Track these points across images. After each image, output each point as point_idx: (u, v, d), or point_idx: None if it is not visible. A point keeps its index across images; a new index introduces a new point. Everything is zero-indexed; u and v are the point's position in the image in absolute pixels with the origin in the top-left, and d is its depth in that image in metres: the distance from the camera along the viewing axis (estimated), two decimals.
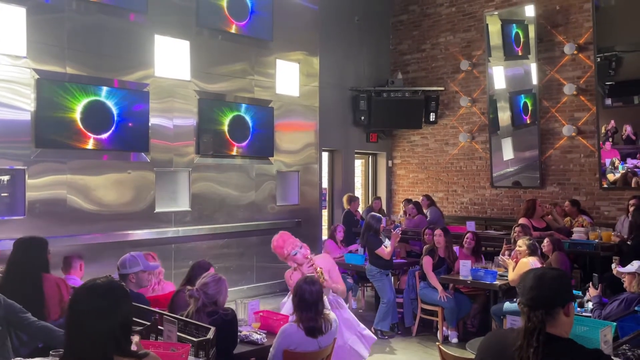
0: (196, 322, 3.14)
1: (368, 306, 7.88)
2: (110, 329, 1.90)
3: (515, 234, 6.54)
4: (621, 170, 8.56)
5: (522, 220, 7.38)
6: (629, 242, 6.67)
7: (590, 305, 4.58)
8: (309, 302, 3.57)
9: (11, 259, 3.70)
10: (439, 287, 6.17)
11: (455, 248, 6.71)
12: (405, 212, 9.66)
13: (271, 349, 3.55)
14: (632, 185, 8.41)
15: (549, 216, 7.82)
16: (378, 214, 6.92)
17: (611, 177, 8.67)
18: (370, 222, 6.56)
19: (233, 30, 8.04)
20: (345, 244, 8.02)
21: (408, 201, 9.67)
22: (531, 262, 5.36)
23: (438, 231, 6.51)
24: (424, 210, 9.24)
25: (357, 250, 7.54)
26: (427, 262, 6.33)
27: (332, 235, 7.93)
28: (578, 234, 7.25)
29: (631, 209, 7.07)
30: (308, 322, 3.55)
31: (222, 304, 3.50)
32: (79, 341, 1.91)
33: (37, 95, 6.10)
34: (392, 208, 11.53)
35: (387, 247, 6.43)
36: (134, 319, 2.20)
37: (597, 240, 6.97)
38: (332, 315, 3.75)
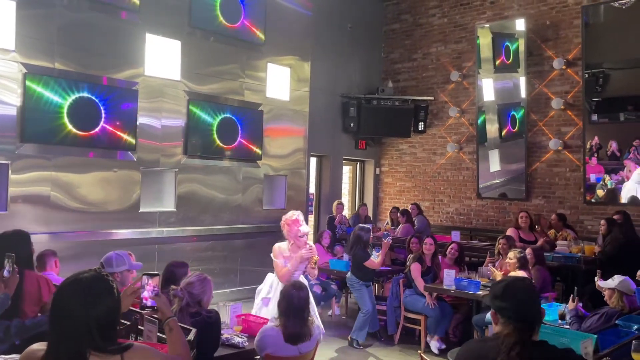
0: (179, 323, 3.10)
1: (351, 313, 7.86)
2: (86, 324, 1.86)
3: (499, 246, 6.57)
4: (609, 186, 8.67)
5: (510, 231, 7.42)
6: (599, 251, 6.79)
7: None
8: (297, 308, 3.55)
9: None
10: (427, 294, 6.17)
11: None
12: (392, 220, 9.68)
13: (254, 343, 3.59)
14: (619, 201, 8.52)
15: (539, 228, 7.89)
16: (367, 226, 6.79)
17: (600, 192, 8.76)
18: (360, 234, 6.38)
19: (225, 32, 8.03)
20: (330, 250, 8.01)
21: (397, 209, 9.69)
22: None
23: (429, 240, 6.50)
24: (413, 219, 9.27)
25: (343, 256, 7.55)
26: (415, 268, 6.31)
27: (318, 241, 7.92)
28: (561, 247, 7.32)
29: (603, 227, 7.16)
30: (294, 328, 3.52)
31: (207, 304, 3.48)
32: (57, 334, 1.88)
33: (24, 90, 6.02)
34: (379, 215, 11.55)
35: (376, 258, 6.32)
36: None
37: (579, 254, 7.04)
38: (316, 321, 3.73)
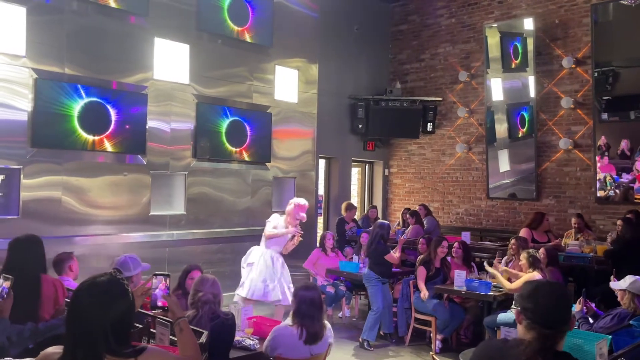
0: (194, 327, 3.12)
1: (361, 314, 7.85)
2: (102, 327, 1.87)
3: (511, 245, 6.53)
4: (609, 186, 8.60)
5: (523, 231, 7.37)
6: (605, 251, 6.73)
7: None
8: (319, 307, 3.57)
9: (10, 260, 3.59)
10: (424, 292, 6.17)
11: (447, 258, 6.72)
12: (403, 221, 9.64)
13: (264, 344, 3.57)
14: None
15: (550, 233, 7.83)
16: (386, 222, 7.02)
17: (601, 193, 8.71)
18: (379, 231, 6.56)
19: (233, 35, 8.05)
20: (336, 251, 7.97)
21: (409, 210, 9.65)
22: (537, 278, 5.33)
23: (445, 243, 6.51)
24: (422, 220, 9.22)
25: (352, 257, 7.53)
26: (421, 272, 6.31)
27: (321, 243, 7.88)
28: (573, 247, 7.26)
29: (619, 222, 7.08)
30: (314, 327, 3.52)
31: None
32: (73, 338, 1.89)
33: (35, 95, 6.08)
34: (388, 217, 11.52)
35: (395, 253, 6.48)
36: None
37: (591, 254, 6.98)
38: (327, 324, 3.73)
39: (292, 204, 6.19)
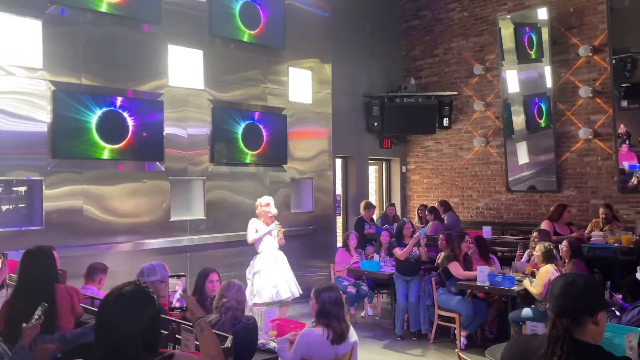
0: (217, 331, 3.13)
1: (384, 313, 7.84)
2: (132, 337, 1.88)
3: (532, 238, 6.45)
4: (635, 174, 8.46)
5: (544, 224, 7.28)
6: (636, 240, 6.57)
7: None
8: (341, 305, 3.58)
9: (22, 272, 3.61)
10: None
11: None
12: (420, 218, 9.58)
13: (290, 354, 3.53)
14: None
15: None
16: (404, 219, 7.30)
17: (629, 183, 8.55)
18: (396, 225, 7.05)
19: (246, 38, 8.08)
20: (359, 250, 7.96)
21: (425, 207, 9.57)
22: (550, 271, 5.26)
23: (467, 238, 6.52)
24: (441, 216, 9.13)
25: (373, 256, 7.51)
26: (456, 266, 6.24)
27: (345, 243, 7.88)
28: (596, 237, 7.14)
29: None
30: (340, 327, 3.51)
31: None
32: (103, 349, 1.91)
33: (54, 107, 6.16)
34: (407, 214, 11.46)
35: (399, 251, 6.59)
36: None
37: (616, 244, 6.86)
38: (349, 324, 3.72)
39: (259, 206, 6.57)
